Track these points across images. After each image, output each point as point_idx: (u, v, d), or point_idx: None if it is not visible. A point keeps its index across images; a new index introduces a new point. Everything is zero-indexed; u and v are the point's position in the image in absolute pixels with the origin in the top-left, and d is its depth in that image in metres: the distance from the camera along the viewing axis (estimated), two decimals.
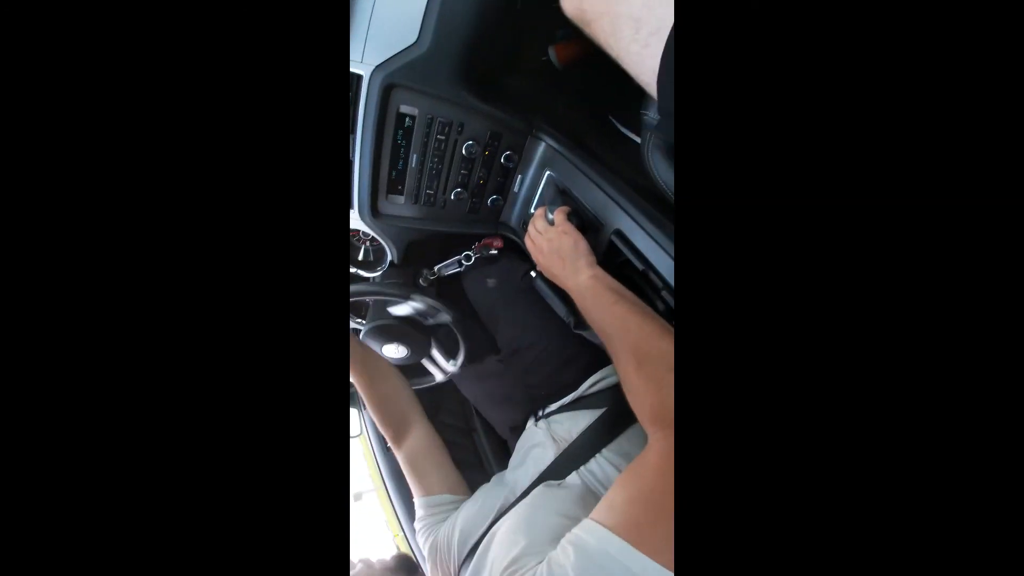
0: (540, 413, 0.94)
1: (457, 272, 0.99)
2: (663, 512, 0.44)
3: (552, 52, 0.87)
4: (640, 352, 0.56)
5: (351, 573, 0.84)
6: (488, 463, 1.30)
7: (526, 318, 0.97)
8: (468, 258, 0.98)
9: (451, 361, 1.08)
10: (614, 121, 0.95)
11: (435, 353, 1.08)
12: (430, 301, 0.95)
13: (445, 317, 0.97)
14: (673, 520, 0.40)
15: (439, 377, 1.13)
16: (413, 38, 0.71)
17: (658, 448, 0.50)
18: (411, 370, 1.12)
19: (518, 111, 0.83)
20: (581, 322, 0.80)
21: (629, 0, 0.53)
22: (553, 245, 0.75)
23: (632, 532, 0.44)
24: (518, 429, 0.99)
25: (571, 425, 0.83)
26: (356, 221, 0.89)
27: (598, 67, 0.66)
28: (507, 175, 0.88)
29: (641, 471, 0.50)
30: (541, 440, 0.83)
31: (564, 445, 0.79)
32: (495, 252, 0.98)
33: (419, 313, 0.99)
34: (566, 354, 0.94)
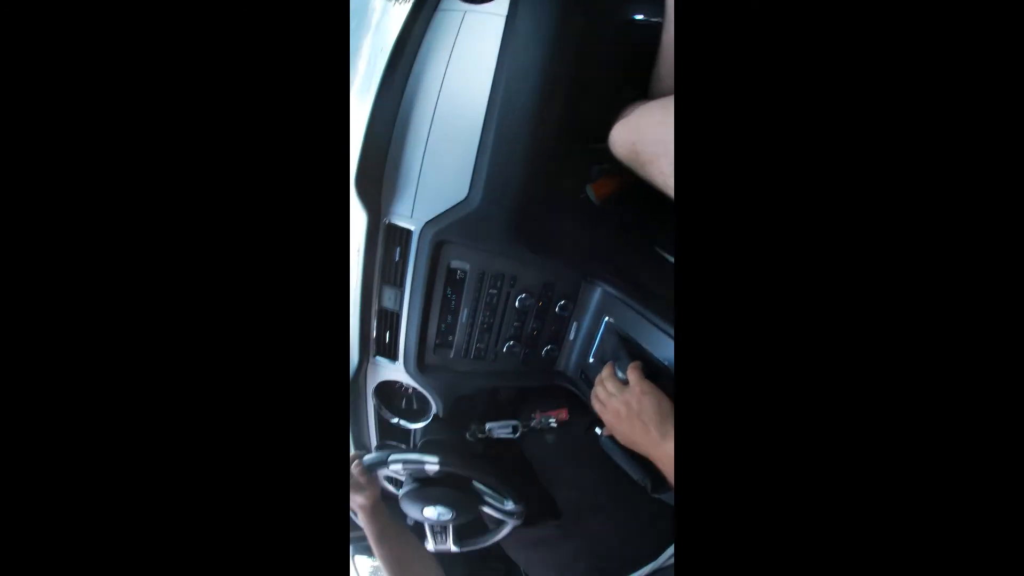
0: None
1: (510, 438, 0.90)
2: None
3: (590, 190, 0.85)
4: None
5: None
6: None
7: (591, 479, 0.86)
8: (526, 426, 0.88)
9: (506, 503, 0.89)
10: (660, 251, 0.92)
11: (488, 500, 0.90)
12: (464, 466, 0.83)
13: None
14: None
15: (511, 522, 0.91)
16: (463, 195, 0.70)
17: None
18: (471, 528, 0.98)
19: (569, 257, 0.80)
20: (660, 485, 0.70)
21: None
22: (632, 408, 0.66)
23: None
24: None
25: None
26: (400, 373, 0.83)
27: (634, 200, 0.66)
28: (562, 324, 0.83)
29: None
30: None
31: None
32: (554, 425, 0.88)
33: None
34: (640, 521, 0.81)
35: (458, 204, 0.71)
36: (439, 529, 0.94)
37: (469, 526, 0.94)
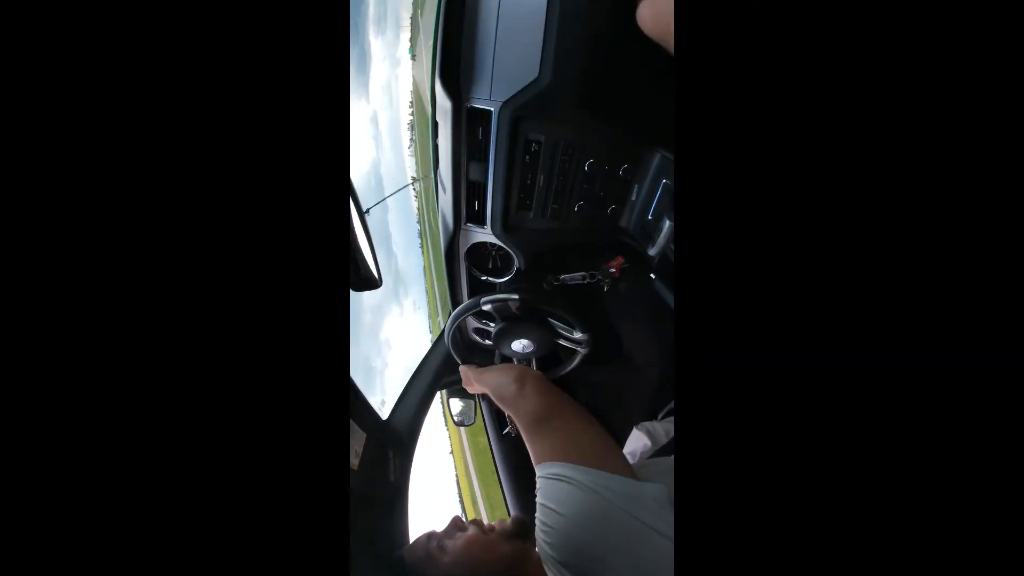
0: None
1: (579, 284, 1.09)
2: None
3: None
4: None
5: (461, 537, 0.76)
6: None
7: (645, 326, 1.06)
8: (592, 276, 1.08)
9: (576, 331, 1.11)
10: None
11: (562, 331, 1.13)
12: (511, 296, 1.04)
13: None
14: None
15: (581, 350, 1.14)
16: (534, 74, 0.81)
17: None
18: (553, 360, 1.22)
19: (631, 126, 0.90)
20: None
21: None
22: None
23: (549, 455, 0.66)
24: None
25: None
26: (487, 235, 1.00)
27: None
28: (625, 186, 0.96)
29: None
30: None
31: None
32: (614, 273, 1.07)
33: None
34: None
35: (530, 84, 0.81)
36: (524, 362, 1.19)
37: (549, 359, 1.19)
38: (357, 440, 0.93)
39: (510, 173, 0.92)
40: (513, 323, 1.08)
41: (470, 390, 1.07)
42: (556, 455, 0.65)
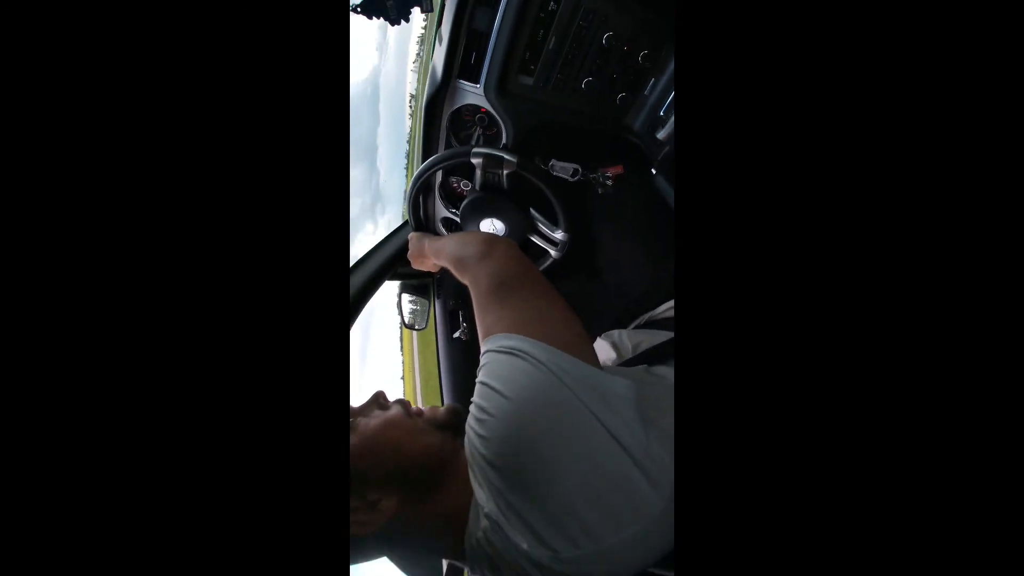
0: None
1: (567, 179, 0.97)
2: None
3: None
4: None
5: (378, 416, 0.62)
6: None
7: (628, 235, 0.97)
8: (584, 173, 0.95)
9: (557, 230, 0.98)
10: None
11: (540, 224, 0.99)
12: (501, 153, 0.88)
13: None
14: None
15: (553, 253, 1.02)
16: None
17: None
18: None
19: (663, 12, 0.80)
20: None
21: None
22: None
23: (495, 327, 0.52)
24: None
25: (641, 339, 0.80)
26: (478, 98, 0.89)
27: None
28: (641, 75, 0.86)
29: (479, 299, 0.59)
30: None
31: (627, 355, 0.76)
32: (610, 181, 0.95)
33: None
34: (664, 273, 0.94)
35: None
36: None
37: None
38: None
39: (519, 26, 0.81)
40: (489, 197, 0.95)
41: (418, 265, 0.95)
42: (514, 327, 0.50)
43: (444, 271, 1.45)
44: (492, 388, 0.44)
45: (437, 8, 0.87)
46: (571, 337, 0.50)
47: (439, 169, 0.91)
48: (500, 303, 0.56)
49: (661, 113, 0.86)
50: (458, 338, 1.37)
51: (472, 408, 0.46)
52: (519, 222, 0.98)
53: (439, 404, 1.32)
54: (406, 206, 1.05)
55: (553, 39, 0.81)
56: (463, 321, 1.38)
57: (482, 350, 0.51)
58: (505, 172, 0.89)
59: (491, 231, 0.98)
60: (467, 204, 0.96)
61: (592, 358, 0.49)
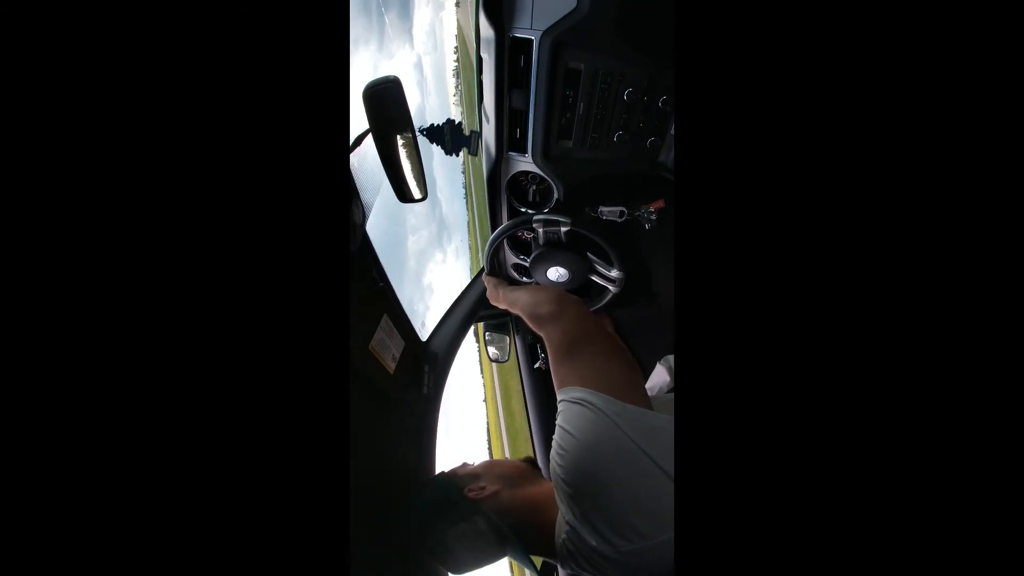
0: None
1: (616, 220, 1.12)
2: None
3: None
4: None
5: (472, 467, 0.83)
6: None
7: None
8: (630, 212, 1.10)
9: (613, 269, 1.16)
10: None
11: (597, 266, 1.18)
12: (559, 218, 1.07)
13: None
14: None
15: (612, 289, 1.21)
16: (573, 4, 0.84)
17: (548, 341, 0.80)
18: (581, 295, 1.27)
19: (669, 57, 0.91)
20: None
21: None
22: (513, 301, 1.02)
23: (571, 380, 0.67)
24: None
25: None
26: (529, 164, 1.06)
27: None
28: (664, 118, 0.98)
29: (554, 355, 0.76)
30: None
31: None
32: (653, 215, 1.09)
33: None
34: None
35: (569, 13, 0.85)
36: None
37: (578, 293, 1.24)
38: (396, 345, 1.03)
39: (550, 100, 0.95)
40: (552, 250, 1.14)
41: (495, 302, 1.12)
42: (583, 381, 0.66)
43: None
44: (566, 431, 0.61)
45: (476, 96, 1.05)
46: (626, 385, 0.66)
47: (507, 236, 1.13)
48: (571, 359, 0.73)
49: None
50: (538, 368, 1.53)
51: (553, 445, 0.63)
52: (579, 267, 1.17)
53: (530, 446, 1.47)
54: (484, 263, 1.26)
55: (581, 105, 0.95)
56: (541, 352, 1.54)
57: (558, 398, 0.68)
58: (563, 230, 1.09)
59: (556, 277, 1.17)
60: (535, 258, 1.15)
61: (643, 400, 0.66)
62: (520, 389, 1.58)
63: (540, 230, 1.11)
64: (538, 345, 1.58)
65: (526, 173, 1.10)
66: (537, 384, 1.55)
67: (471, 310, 1.38)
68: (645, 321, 1.39)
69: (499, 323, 1.57)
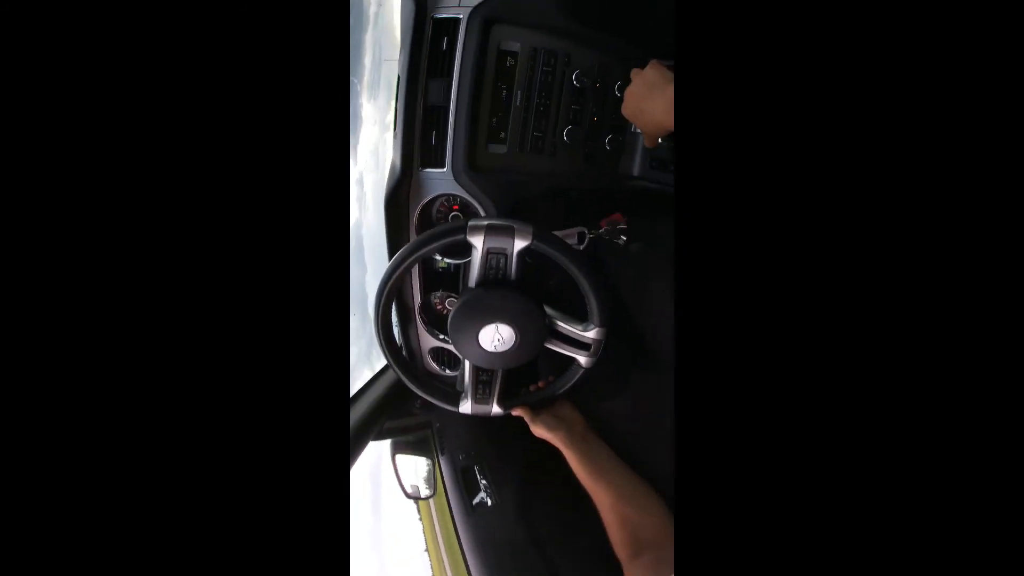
0: None
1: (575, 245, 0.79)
2: None
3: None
4: None
5: None
6: None
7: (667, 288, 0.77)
8: (592, 234, 0.78)
9: (587, 326, 0.70)
10: None
11: (560, 324, 0.71)
12: (512, 223, 0.64)
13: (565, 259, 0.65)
14: None
15: (583, 361, 0.74)
16: None
17: None
18: (543, 367, 0.84)
19: (626, 34, 0.73)
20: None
21: None
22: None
23: None
24: None
25: None
26: (448, 183, 0.75)
27: None
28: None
29: None
30: None
31: None
32: (623, 226, 0.79)
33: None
34: None
35: None
36: (483, 377, 0.78)
37: (518, 377, 0.81)
38: None
39: (477, 90, 0.71)
40: (488, 294, 0.68)
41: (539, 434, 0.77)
42: None
43: (445, 418, 1.14)
44: None
45: (393, 100, 0.75)
46: None
47: (414, 263, 0.67)
48: None
49: (660, 140, 0.74)
50: (481, 503, 1.03)
51: None
52: (534, 325, 0.70)
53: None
54: (376, 333, 0.74)
55: (519, 94, 0.72)
56: (481, 478, 1.05)
57: None
58: (515, 252, 0.65)
59: (493, 345, 0.70)
60: (459, 309, 0.69)
61: None
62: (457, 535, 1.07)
63: (474, 254, 0.66)
64: (475, 468, 1.08)
65: (443, 198, 0.78)
66: (483, 531, 1.03)
67: (365, 419, 0.92)
68: (644, 403, 0.96)
69: (416, 440, 1.10)
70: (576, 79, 0.72)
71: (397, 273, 0.65)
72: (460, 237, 0.63)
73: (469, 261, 0.69)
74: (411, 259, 0.64)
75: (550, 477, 0.99)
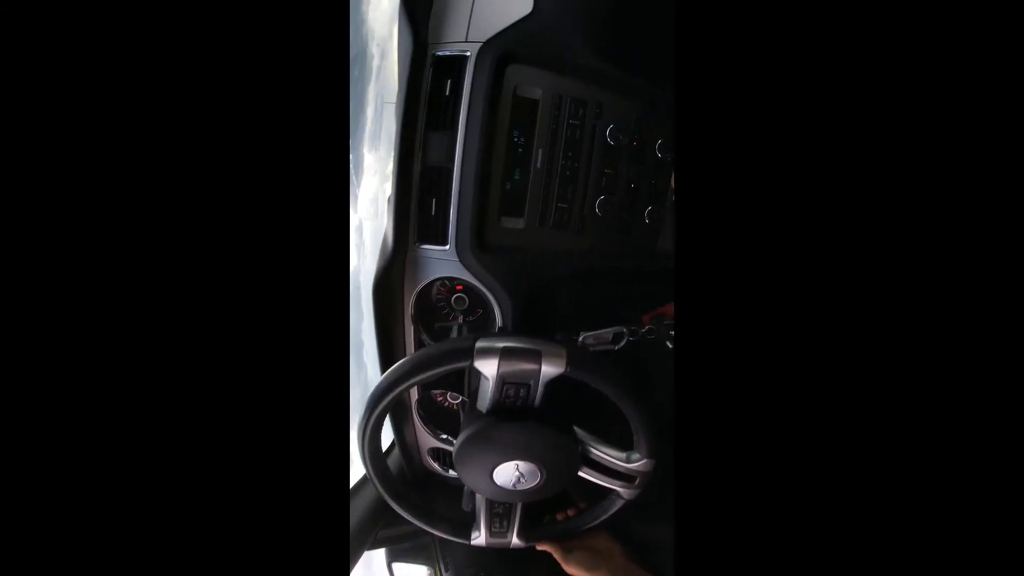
0: None
1: (610, 350, 0.64)
2: None
3: None
4: None
5: None
6: None
7: None
8: (629, 335, 0.63)
9: (631, 455, 0.57)
10: None
11: (596, 450, 0.57)
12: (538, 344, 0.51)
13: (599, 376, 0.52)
14: None
15: (625, 494, 0.60)
16: (528, 7, 0.54)
17: None
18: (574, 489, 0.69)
19: (668, 81, 0.59)
20: None
21: None
22: None
23: None
24: None
25: None
26: (451, 265, 0.60)
27: None
28: (665, 173, 0.62)
29: None
30: None
31: None
32: (672, 326, 0.64)
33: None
34: None
35: (522, 19, 0.55)
36: (498, 510, 0.64)
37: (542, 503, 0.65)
38: None
39: (488, 147, 0.57)
40: (503, 426, 0.53)
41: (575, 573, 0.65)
42: None
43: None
44: None
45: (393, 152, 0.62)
46: None
47: (405, 391, 0.53)
48: None
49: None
50: None
51: None
52: (563, 460, 0.56)
53: None
54: (362, 461, 0.60)
55: (540, 154, 0.57)
56: None
57: None
58: (541, 382, 0.51)
59: (512, 482, 0.56)
60: (467, 441, 0.54)
61: None
62: None
63: (488, 382, 0.52)
64: None
65: (444, 283, 0.64)
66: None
67: (359, 527, 0.78)
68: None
69: (415, 547, 0.94)
70: (610, 135, 0.58)
71: (382, 406, 0.51)
72: (465, 362, 0.49)
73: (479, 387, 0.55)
74: (399, 389, 0.51)
75: None
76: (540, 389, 0.51)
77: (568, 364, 0.49)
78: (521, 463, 0.54)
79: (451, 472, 0.84)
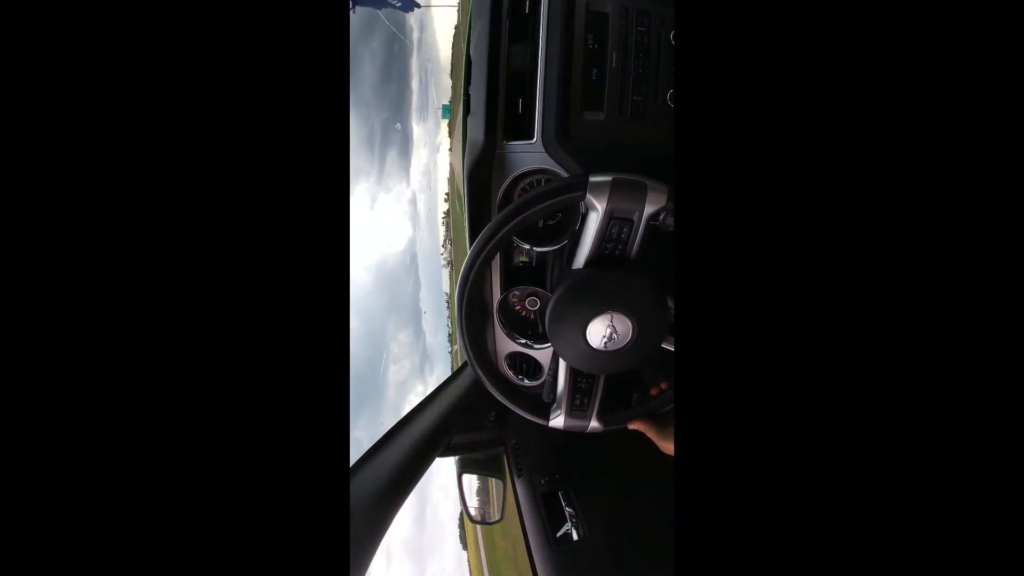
0: None
1: None
2: None
3: None
4: None
5: None
6: None
7: None
8: None
9: None
10: None
11: None
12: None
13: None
14: None
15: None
16: None
17: None
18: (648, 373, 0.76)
19: None
20: None
21: None
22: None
23: None
24: None
25: None
26: (538, 156, 0.68)
27: None
28: None
29: None
30: None
31: None
32: None
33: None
34: None
35: None
36: (583, 384, 0.68)
37: (618, 387, 0.70)
38: None
39: (568, 52, 0.65)
40: (603, 273, 0.57)
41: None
42: None
43: (523, 435, 1.01)
44: None
45: (463, 62, 0.71)
46: None
47: (519, 227, 0.56)
48: None
49: None
50: (565, 536, 0.91)
51: None
52: (657, 317, 0.57)
53: None
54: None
55: (613, 55, 0.65)
56: (567, 507, 0.91)
57: None
58: (644, 217, 0.54)
59: (604, 342, 0.57)
60: (564, 294, 0.57)
61: None
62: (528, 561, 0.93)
63: (589, 223, 0.56)
64: (560, 495, 0.92)
65: (532, 175, 0.72)
66: (566, 567, 0.86)
67: (430, 436, 0.81)
68: None
69: (486, 457, 1.00)
70: (674, 39, 0.66)
71: (497, 237, 0.56)
72: (579, 195, 0.54)
73: (576, 233, 0.61)
74: (516, 221, 0.55)
75: (650, 509, 0.87)
76: (641, 229, 0.55)
77: (669, 199, 0.53)
78: (615, 315, 0.56)
79: (525, 382, 0.90)
